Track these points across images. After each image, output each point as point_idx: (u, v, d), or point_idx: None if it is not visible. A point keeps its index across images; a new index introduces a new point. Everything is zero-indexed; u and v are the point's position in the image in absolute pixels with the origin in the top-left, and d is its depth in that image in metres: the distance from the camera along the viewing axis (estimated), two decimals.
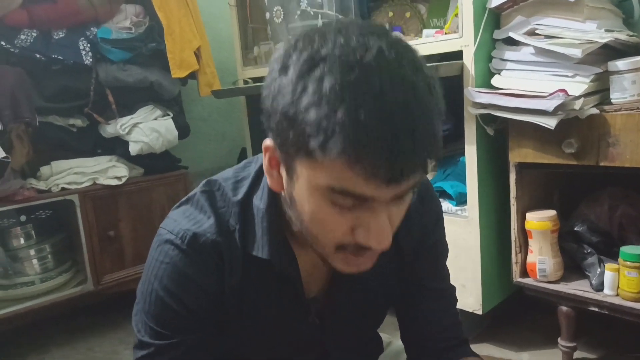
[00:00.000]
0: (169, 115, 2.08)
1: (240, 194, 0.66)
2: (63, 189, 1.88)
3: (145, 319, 0.65)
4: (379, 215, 0.52)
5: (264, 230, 0.64)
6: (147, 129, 1.97)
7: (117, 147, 2.01)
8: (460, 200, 1.62)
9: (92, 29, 1.93)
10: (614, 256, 1.38)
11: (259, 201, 0.65)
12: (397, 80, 0.47)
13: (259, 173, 0.67)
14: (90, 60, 1.89)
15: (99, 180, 1.93)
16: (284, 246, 0.65)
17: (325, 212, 0.52)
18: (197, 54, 2.05)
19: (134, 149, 1.96)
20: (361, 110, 0.45)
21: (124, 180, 1.97)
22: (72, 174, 1.90)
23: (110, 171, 1.95)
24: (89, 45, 1.90)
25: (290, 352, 0.75)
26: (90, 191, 1.92)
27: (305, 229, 0.57)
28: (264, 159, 0.58)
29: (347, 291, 0.73)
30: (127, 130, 1.95)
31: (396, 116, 0.46)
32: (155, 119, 2.03)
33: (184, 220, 0.65)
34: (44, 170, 1.88)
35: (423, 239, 0.76)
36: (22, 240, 1.90)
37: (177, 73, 1.98)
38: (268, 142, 0.56)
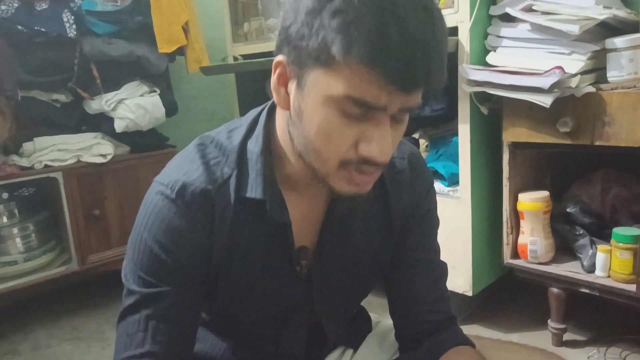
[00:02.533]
0: (155, 91, 2.02)
1: (236, 140, 0.68)
2: (46, 166, 1.83)
3: (134, 268, 0.65)
4: (384, 127, 0.55)
5: (257, 172, 0.65)
6: (133, 105, 1.92)
7: (102, 123, 1.95)
8: (453, 180, 1.60)
9: (76, 0, 1.86)
10: (606, 238, 1.38)
11: (254, 145, 0.67)
12: (418, 3, 0.52)
13: (253, 121, 0.69)
14: (75, 32, 1.83)
15: (83, 157, 1.89)
16: (276, 189, 0.67)
17: (334, 123, 0.55)
18: (185, 29, 1.99)
19: (119, 126, 1.91)
20: (387, 21, 0.50)
21: (109, 158, 1.92)
22: (55, 150, 1.84)
23: (95, 148, 1.90)
24: (73, 17, 1.83)
25: (279, 313, 0.74)
26: (75, 168, 1.87)
27: (310, 145, 0.58)
28: (272, 76, 0.60)
29: (335, 245, 0.73)
30: (112, 106, 1.90)
31: (417, 33, 0.50)
32: (142, 95, 1.97)
33: (174, 171, 0.66)
34: (27, 146, 1.82)
35: (414, 209, 0.76)
36: (4, 219, 1.85)
37: (164, 48, 1.92)
38: (279, 58, 0.59)
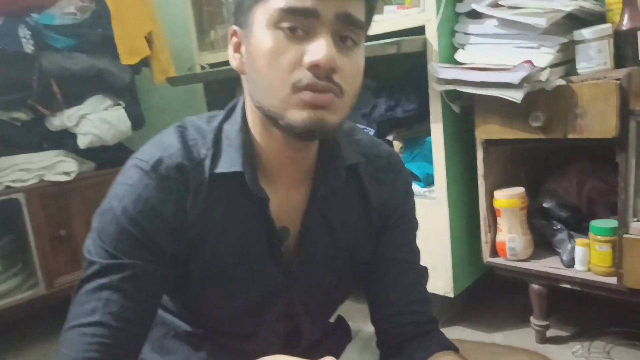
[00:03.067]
0: (120, 104, 1.96)
1: (214, 123, 0.70)
2: (7, 187, 1.75)
3: (98, 238, 0.63)
4: (323, 36, 0.57)
5: (236, 147, 0.66)
6: (97, 120, 1.85)
7: (65, 140, 1.88)
8: (428, 181, 1.57)
9: (33, 15, 1.80)
10: (584, 231, 1.37)
11: (231, 126, 0.69)
12: None
13: (231, 107, 0.72)
14: (32, 48, 1.76)
15: (46, 176, 1.81)
16: (254, 163, 0.67)
17: (277, 47, 0.58)
18: (149, 39, 1.94)
19: (83, 142, 1.84)
20: None
21: (73, 175, 1.84)
22: (17, 170, 1.76)
23: (58, 166, 1.83)
24: (29, 32, 1.76)
25: (256, 303, 0.72)
26: (38, 188, 1.79)
27: (261, 81, 0.60)
28: (229, 46, 0.67)
29: (316, 232, 0.72)
30: (75, 122, 1.83)
31: None
32: (106, 109, 1.91)
33: (152, 147, 0.66)
34: None
35: (393, 208, 0.77)
36: None
37: (127, 60, 1.86)
38: (233, 27, 0.65)
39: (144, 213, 0.62)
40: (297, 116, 0.59)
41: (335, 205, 0.73)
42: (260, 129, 0.67)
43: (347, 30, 0.59)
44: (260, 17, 0.59)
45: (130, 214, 0.62)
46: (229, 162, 0.66)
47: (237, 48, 0.66)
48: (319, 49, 0.57)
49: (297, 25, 0.57)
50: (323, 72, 0.57)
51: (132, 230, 0.62)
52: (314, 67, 0.57)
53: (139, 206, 0.62)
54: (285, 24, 0.58)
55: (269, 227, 0.69)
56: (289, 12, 0.57)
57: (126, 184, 0.64)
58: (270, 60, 0.59)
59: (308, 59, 0.57)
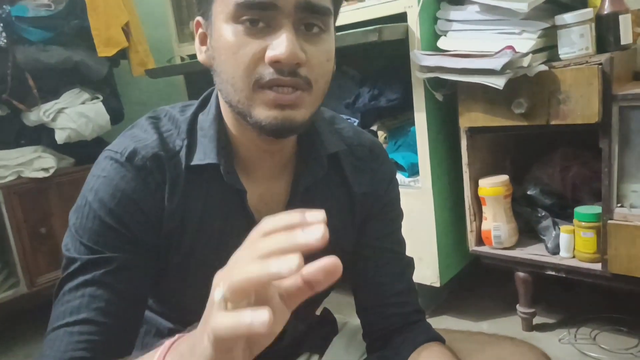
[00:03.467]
0: (98, 98, 1.92)
1: (188, 113, 0.68)
2: None
3: (76, 234, 0.61)
4: (285, 30, 0.55)
5: (210, 138, 0.64)
6: (74, 114, 1.81)
7: (42, 136, 1.84)
8: (413, 171, 1.56)
9: (4, 6, 1.75)
10: (568, 218, 1.37)
11: (205, 116, 0.67)
12: None
13: (205, 97, 0.70)
14: (5, 41, 1.71)
15: (24, 173, 1.77)
16: (229, 154, 0.66)
17: (237, 39, 0.56)
18: (127, 31, 1.90)
19: (60, 137, 1.80)
20: None
21: (51, 171, 1.81)
22: None
23: (36, 162, 1.79)
24: (1, 25, 1.71)
25: None
26: (16, 185, 1.75)
27: (225, 76, 0.58)
28: (195, 39, 0.65)
29: None
30: (51, 116, 1.79)
31: None
32: (83, 102, 1.87)
33: (126, 139, 0.65)
34: None
35: (376, 197, 0.76)
36: None
37: (103, 52, 1.82)
38: (197, 18, 0.64)
39: (122, 204, 0.61)
40: (263, 115, 0.57)
41: (317, 195, 0.71)
42: (233, 122, 0.65)
43: (312, 18, 0.57)
44: (220, 10, 0.57)
45: (107, 207, 0.60)
46: (204, 153, 0.64)
47: (203, 40, 0.64)
48: (280, 43, 0.54)
49: (257, 17, 0.55)
50: (286, 68, 0.55)
51: (110, 223, 0.60)
52: (276, 63, 0.55)
53: (116, 198, 0.60)
54: (244, 18, 0.55)
55: (249, 221, 0.67)
56: (246, 6, 0.55)
57: (101, 177, 0.62)
58: (232, 56, 0.56)
59: (270, 54, 0.55)
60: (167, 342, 0.47)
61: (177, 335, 0.48)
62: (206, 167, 0.63)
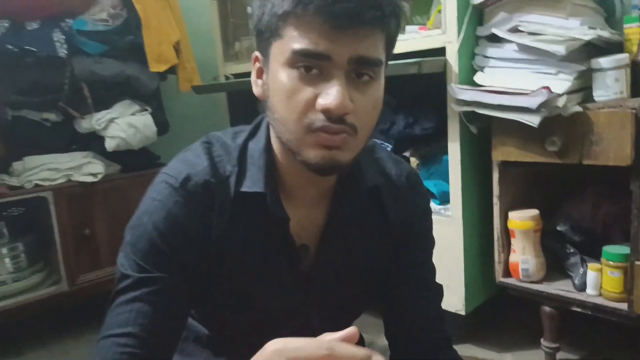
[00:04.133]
0: (147, 110, 2.03)
1: (239, 140, 0.72)
2: (36, 185, 1.82)
3: (131, 252, 0.66)
4: (337, 80, 0.58)
5: (259, 167, 0.69)
6: (124, 124, 1.92)
7: (92, 142, 1.95)
8: (444, 199, 1.60)
9: (67, 20, 1.87)
10: (597, 255, 1.37)
11: (255, 145, 0.71)
12: None
13: (256, 125, 0.74)
14: (65, 52, 1.83)
15: (73, 176, 1.88)
16: (275, 185, 0.70)
17: (292, 86, 0.59)
18: (177, 49, 2.00)
19: (110, 145, 1.91)
20: None
21: (99, 177, 1.91)
22: (45, 170, 1.83)
23: (85, 167, 1.89)
24: (63, 37, 1.83)
25: (274, 317, 0.74)
26: (65, 188, 1.86)
27: (278, 116, 0.62)
28: (252, 72, 0.68)
29: (335, 249, 0.74)
30: (103, 125, 1.90)
31: None
32: (133, 114, 1.97)
33: (181, 164, 0.69)
34: (17, 166, 1.81)
35: (411, 225, 0.79)
36: None
37: (155, 67, 1.93)
38: (255, 53, 0.67)
39: (173, 228, 0.65)
40: (311, 155, 0.61)
41: (354, 223, 0.75)
42: (282, 152, 0.69)
43: (363, 69, 0.60)
44: (278, 53, 0.60)
45: (160, 230, 0.65)
46: (252, 181, 0.68)
47: (259, 74, 0.67)
48: (331, 93, 0.58)
49: (312, 65, 0.58)
50: (335, 116, 0.58)
51: (161, 246, 0.65)
52: (326, 112, 0.58)
53: (168, 222, 0.65)
54: (300, 64, 0.59)
55: (289, 246, 0.71)
56: (302, 54, 0.58)
57: (156, 200, 0.67)
58: (286, 99, 0.60)
59: (321, 102, 0.58)
60: None
61: None
62: (253, 194, 0.68)
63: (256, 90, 0.68)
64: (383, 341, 0.84)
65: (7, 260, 1.84)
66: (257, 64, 0.67)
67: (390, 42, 0.64)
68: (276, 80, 0.61)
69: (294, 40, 0.58)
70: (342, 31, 0.56)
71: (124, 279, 0.66)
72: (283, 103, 0.61)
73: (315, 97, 0.59)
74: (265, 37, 0.62)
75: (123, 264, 0.67)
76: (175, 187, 0.66)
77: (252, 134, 0.73)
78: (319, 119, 0.59)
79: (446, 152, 1.53)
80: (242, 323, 0.75)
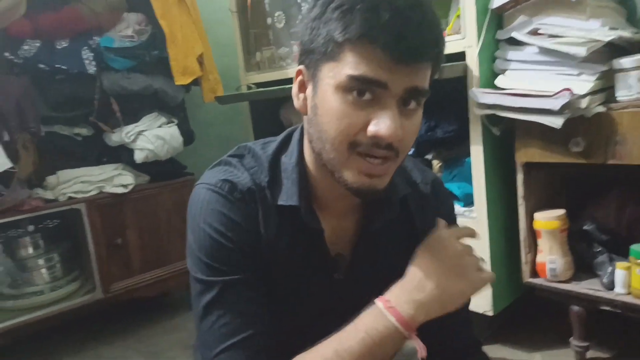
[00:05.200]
0: (173, 122, 2.08)
1: (270, 151, 0.74)
2: (70, 198, 1.88)
3: (203, 259, 0.68)
4: (390, 108, 0.60)
5: (293, 181, 0.71)
6: (152, 136, 1.97)
7: (122, 155, 2.01)
8: (467, 201, 1.61)
9: (94, 38, 1.93)
10: (624, 254, 1.37)
11: (288, 159, 0.73)
12: None
13: (285, 137, 0.76)
14: (94, 69, 1.89)
15: (105, 188, 1.94)
16: (309, 198, 0.72)
17: (344, 108, 0.61)
18: (200, 61, 2.05)
19: (139, 157, 1.97)
20: (378, 3, 0.57)
21: (130, 188, 1.97)
22: (78, 182, 1.90)
23: (116, 179, 1.96)
24: (92, 54, 1.90)
25: (309, 323, 0.76)
26: (97, 199, 1.92)
27: (323, 134, 0.63)
28: (294, 85, 0.69)
29: (367, 259, 0.76)
30: (132, 138, 1.96)
31: (406, 9, 0.57)
32: (160, 126, 2.03)
33: (219, 174, 0.72)
34: (50, 179, 1.88)
35: None
36: (30, 250, 1.91)
37: (180, 80, 1.98)
38: (299, 67, 0.68)
39: (232, 229, 0.68)
40: (352, 178, 0.63)
41: (384, 232, 0.77)
42: (316, 167, 0.71)
43: (413, 99, 0.62)
44: (330, 75, 0.61)
45: (220, 231, 0.68)
46: (287, 195, 0.71)
47: (301, 88, 0.69)
48: (385, 122, 0.59)
49: (366, 89, 0.60)
50: (385, 144, 0.61)
51: (227, 244, 0.68)
52: (378, 138, 0.60)
53: (225, 224, 0.68)
54: (353, 91, 0.60)
55: (325, 255, 0.74)
56: (359, 80, 0.59)
57: (207, 208, 0.69)
58: (336, 121, 0.61)
59: (372, 129, 0.60)
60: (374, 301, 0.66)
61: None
62: (289, 207, 0.71)
63: (297, 103, 0.70)
64: (411, 347, 0.86)
65: (43, 270, 1.92)
66: (300, 78, 0.68)
67: (435, 72, 0.66)
68: (326, 101, 0.62)
69: (351, 67, 0.59)
70: (402, 64, 0.58)
71: (209, 288, 0.67)
72: (332, 124, 0.62)
73: (366, 122, 0.60)
74: (316, 56, 0.63)
75: (196, 272, 0.69)
76: (222, 194, 0.69)
77: (282, 147, 0.75)
78: (366, 143, 0.61)
79: (468, 155, 1.54)
80: (280, 327, 0.78)
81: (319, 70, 0.63)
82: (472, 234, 0.75)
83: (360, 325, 0.65)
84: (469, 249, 0.72)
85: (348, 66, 0.59)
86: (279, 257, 0.72)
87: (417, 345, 0.65)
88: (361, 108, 0.61)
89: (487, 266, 1.52)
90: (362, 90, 0.60)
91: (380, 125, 0.59)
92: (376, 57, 0.58)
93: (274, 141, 0.77)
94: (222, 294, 0.67)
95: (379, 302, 0.66)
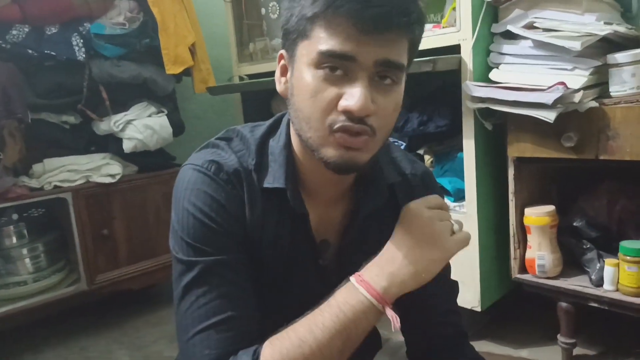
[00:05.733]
0: (163, 112, 2.05)
1: (258, 135, 0.73)
2: (56, 186, 1.85)
3: (186, 240, 0.67)
4: (360, 82, 0.59)
5: (280, 164, 0.70)
6: (141, 126, 1.95)
7: (110, 144, 1.98)
8: (458, 196, 1.60)
9: (85, 24, 1.90)
10: (613, 251, 1.37)
11: (276, 142, 0.72)
12: None
13: (274, 121, 0.76)
14: (84, 56, 1.86)
15: (92, 177, 1.91)
16: (295, 181, 0.71)
17: (316, 86, 0.61)
18: (192, 50, 2.03)
19: (127, 146, 1.94)
20: None
21: (117, 178, 1.94)
22: (65, 171, 1.87)
23: (103, 169, 1.93)
24: (82, 40, 1.87)
25: (294, 310, 0.74)
26: (84, 189, 1.89)
27: (300, 114, 0.63)
28: (277, 69, 0.69)
29: (354, 247, 0.75)
30: (120, 127, 1.93)
31: None
32: (150, 115, 2.00)
33: (206, 155, 0.71)
34: (37, 167, 1.85)
35: None
36: (14, 239, 1.87)
37: (171, 69, 1.95)
38: (281, 51, 0.68)
39: (216, 210, 0.67)
40: (330, 154, 0.62)
41: (372, 220, 0.76)
42: (301, 150, 0.70)
43: (387, 72, 0.61)
44: (304, 53, 0.62)
45: (204, 212, 0.66)
46: (274, 177, 0.70)
47: (283, 72, 0.69)
48: (354, 95, 0.59)
49: (337, 65, 0.60)
50: (356, 117, 0.60)
51: (210, 224, 0.66)
52: (348, 112, 0.60)
53: (210, 205, 0.67)
54: (325, 65, 0.60)
55: (310, 241, 0.73)
56: (328, 55, 0.59)
57: (191, 188, 0.68)
58: (310, 98, 0.61)
59: (343, 104, 0.60)
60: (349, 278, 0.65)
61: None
62: (275, 189, 0.70)
63: (279, 87, 0.69)
64: (399, 337, 0.85)
65: (27, 260, 1.88)
66: (282, 62, 0.68)
67: (413, 48, 0.65)
68: (301, 79, 0.62)
69: (321, 42, 0.59)
70: (370, 35, 0.58)
71: (190, 268, 0.66)
72: (306, 102, 0.62)
73: (338, 97, 0.60)
74: (292, 37, 0.63)
75: (178, 252, 0.68)
76: (209, 175, 0.68)
77: (271, 130, 0.75)
78: (340, 119, 0.61)
79: (460, 150, 1.53)
80: (266, 311, 0.77)
81: (295, 50, 0.63)
82: (441, 204, 0.72)
83: (333, 302, 0.64)
84: (440, 214, 0.70)
85: (319, 42, 0.59)
86: (264, 241, 0.71)
87: (391, 317, 0.64)
88: (333, 84, 0.60)
89: (476, 261, 1.52)
90: (333, 67, 0.60)
91: (350, 99, 0.59)
92: (343, 30, 0.57)
93: (263, 125, 0.76)
94: (203, 274, 0.65)
95: (352, 278, 0.66)
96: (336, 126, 0.61)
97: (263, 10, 1.99)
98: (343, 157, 0.62)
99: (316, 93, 0.61)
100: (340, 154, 0.62)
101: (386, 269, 0.65)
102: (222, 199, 0.67)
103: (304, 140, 0.65)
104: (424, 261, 0.66)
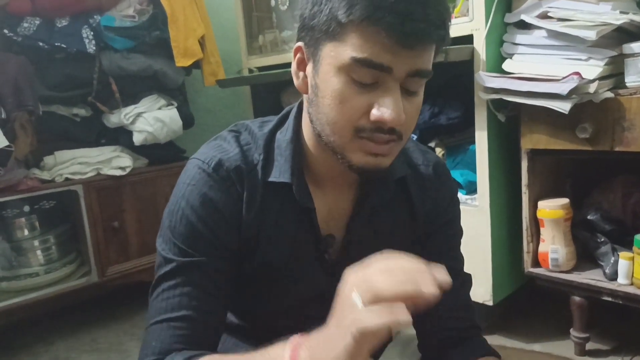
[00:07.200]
0: (173, 104, 2.05)
1: (266, 129, 0.73)
2: (67, 179, 1.86)
3: (171, 236, 0.68)
4: (394, 92, 0.58)
5: (286, 158, 0.69)
6: (151, 118, 1.95)
7: (121, 137, 1.98)
8: (470, 189, 1.59)
9: (95, 16, 1.90)
10: (627, 245, 1.36)
11: (283, 135, 0.71)
12: None
13: (283, 115, 0.75)
14: (94, 48, 1.86)
15: (103, 170, 1.91)
16: (302, 175, 0.70)
17: (346, 91, 0.59)
18: (202, 43, 2.02)
19: (138, 139, 1.94)
20: None
21: (128, 170, 1.94)
22: (76, 164, 1.87)
23: (114, 161, 1.93)
24: (92, 33, 1.87)
25: (301, 305, 0.75)
26: (94, 181, 1.90)
27: (325, 117, 0.62)
28: (292, 63, 0.66)
29: (362, 239, 0.74)
30: (131, 119, 1.93)
31: None
32: (160, 108, 2.00)
33: (212, 150, 0.70)
34: (48, 160, 1.86)
35: (437, 215, 0.78)
36: (26, 231, 1.89)
37: (181, 62, 1.95)
38: (298, 44, 0.65)
39: (209, 211, 0.67)
40: (356, 159, 0.62)
41: (381, 212, 0.75)
42: (314, 143, 0.69)
43: (417, 81, 0.61)
44: (331, 55, 0.59)
45: (197, 213, 0.67)
46: (279, 171, 0.69)
47: (300, 66, 0.66)
48: (388, 106, 0.58)
49: (370, 74, 0.58)
50: (388, 128, 0.59)
51: (200, 228, 0.67)
52: (381, 122, 0.59)
53: (204, 205, 0.67)
54: (356, 74, 0.58)
55: (316, 235, 0.72)
56: (363, 63, 0.57)
57: (191, 185, 0.68)
58: (337, 104, 0.60)
59: (376, 113, 0.58)
60: (293, 338, 0.54)
61: (295, 335, 0.54)
62: (280, 183, 0.69)
63: (297, 82, 0.67)
64: (411, 329, 0.83)
65: (38, 252, 1.89)
66: (299, 55, 0.66)
67: (439, 52, 0.64)
68: (328, 82, 0.60)
69: (354, 49, 0.57)
70: (407, 48, 0.56)
71: (167, 263, 0.67)
72: (333, 107, 0.60)
73: (369, 106, 0.59)
74: (317, 35, 0.61)
75: (164, 248, 0.68)
76: (208, 172, 0.68)
77: (279, 124, 0.74)
78: (370, 127, 0.60)
79: (472, 142, 1.52)
80: (268, 310, 0.76)
81: (320, 49, 0.61)
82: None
83: (266, 355, 0.57)
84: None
85: (351, 48, 0.57)
86: (267, 237, 0.71)
87: None
88: (364, 92, 0.59)
89: (488, 254, 1.50)
90: (365, 74, 0.58)
91: (383, 110, 0.58)
92: (380, 40, 0.56)
93: (272, 120, 0.76)
94: (176, 270, 0.66)
95: (291, 340, 0.55)
96: (364, 134, 0.60)
97: (273, 2, 1.97)
98: (370, 163, 0.62)
99: (345, 100, 0.59)
100: (367, 160, 0.62)
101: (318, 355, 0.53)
102: (218, 199, 0.67)
103: (324, 141, 0.64)
104: None
